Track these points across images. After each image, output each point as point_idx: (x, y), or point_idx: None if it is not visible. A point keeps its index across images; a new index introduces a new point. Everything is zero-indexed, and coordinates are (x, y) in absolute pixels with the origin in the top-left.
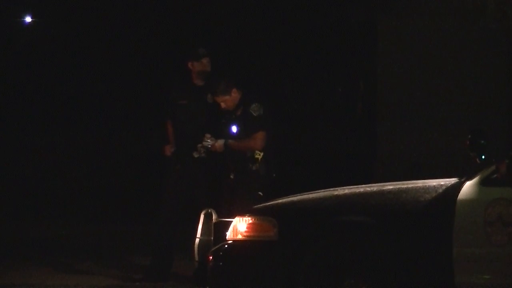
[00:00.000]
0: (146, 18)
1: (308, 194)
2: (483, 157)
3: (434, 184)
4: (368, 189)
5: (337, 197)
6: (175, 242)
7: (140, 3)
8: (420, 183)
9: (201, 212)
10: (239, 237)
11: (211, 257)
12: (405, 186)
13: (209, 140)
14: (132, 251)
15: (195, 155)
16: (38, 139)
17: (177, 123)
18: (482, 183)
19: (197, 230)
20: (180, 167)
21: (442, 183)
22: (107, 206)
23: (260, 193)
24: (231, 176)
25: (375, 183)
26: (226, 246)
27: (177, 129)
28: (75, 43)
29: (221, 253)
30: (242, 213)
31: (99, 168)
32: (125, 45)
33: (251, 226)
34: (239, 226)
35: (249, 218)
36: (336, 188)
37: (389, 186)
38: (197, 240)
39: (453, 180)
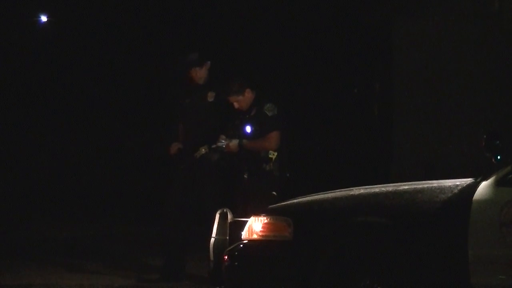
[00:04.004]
0: (161, 18)
1: (324, 194)
2: (498, 157)
3: (450, 184)
4: (384, 189)
5: (353, 197)
6: (186, 242)
7: (158, 4)
8: (435, 183)
9: (209, 212)
10: (254, 236)
11: (226, 257)
12: (420, 186)
13: (223, 141)
14: (146, 251)
15: (196, 155)
16: (51, 141)
17: (184, 122)
18: (497, 184)
19: (212, 230)
20: (184, 167)
21: (458, 183)
22: (120, 207)
23: (274, 193)
24: (245, 176)
25: (391, 183)
26: (241, 246)
27: (184, 129)
28: (91, 44)
29: (236, 253)
30: (257, 213)
31: (112, 169)
32: (138, 46)
33: (266, 226)
34: (255, 226)
35: (265, 218)
36: (351, 188)
37: (405, 186)
38: (212, 239)
39: (468, 181)
